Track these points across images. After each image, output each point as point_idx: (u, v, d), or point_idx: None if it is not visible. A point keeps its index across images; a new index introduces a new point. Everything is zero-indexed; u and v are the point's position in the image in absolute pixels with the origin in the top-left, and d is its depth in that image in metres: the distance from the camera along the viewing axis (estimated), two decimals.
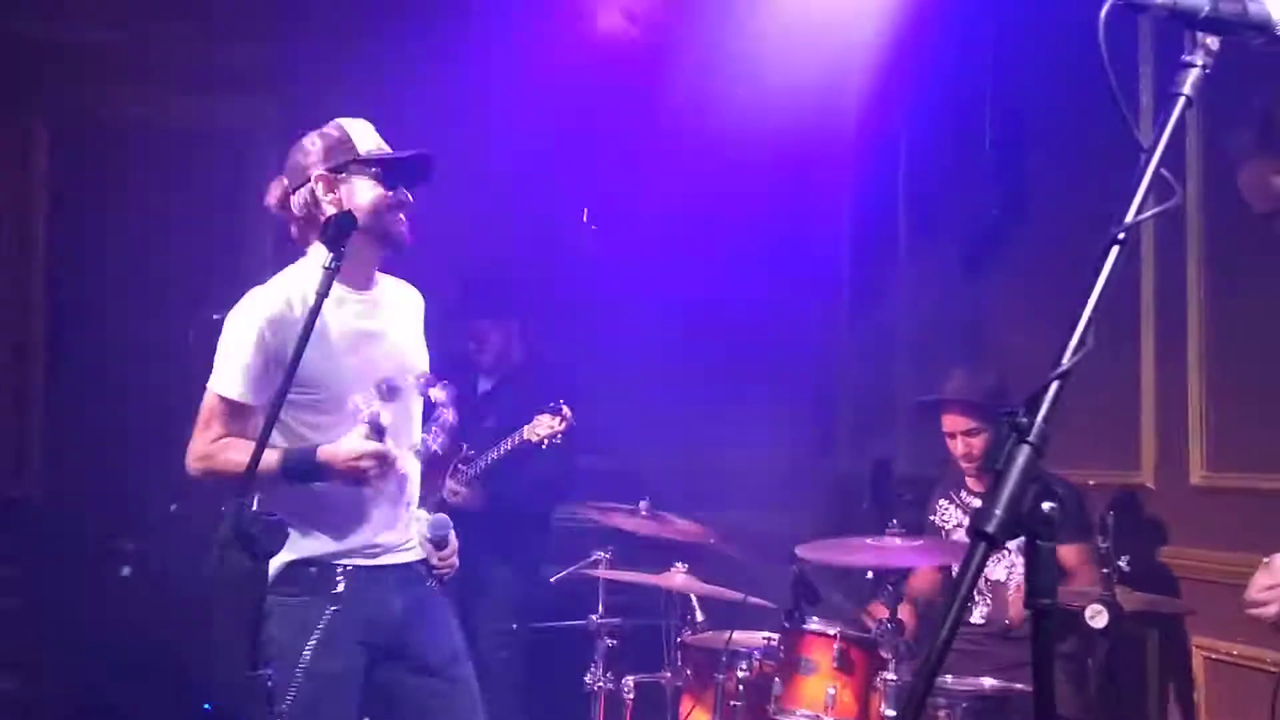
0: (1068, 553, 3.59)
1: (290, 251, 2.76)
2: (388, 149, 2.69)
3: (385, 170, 2.63)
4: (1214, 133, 3.56)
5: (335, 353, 2.60)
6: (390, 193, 2.62)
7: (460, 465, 4.19)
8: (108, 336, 4.93)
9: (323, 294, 2.31)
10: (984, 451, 3.68)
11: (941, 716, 3.10)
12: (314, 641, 2.52)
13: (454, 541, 2.77)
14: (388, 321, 2.75)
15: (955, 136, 4.94)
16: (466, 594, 4.20)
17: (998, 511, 1.20)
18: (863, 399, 5.47)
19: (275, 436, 2.40)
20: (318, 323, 2.34)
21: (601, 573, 3.93)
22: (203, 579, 2.25)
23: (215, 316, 3.78)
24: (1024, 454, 1.23)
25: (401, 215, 2.65)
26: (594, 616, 3.93)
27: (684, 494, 4.26)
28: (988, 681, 3.27)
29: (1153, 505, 3.83)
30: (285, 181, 2.69)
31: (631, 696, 3.77)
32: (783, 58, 4.68)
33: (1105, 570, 2.96)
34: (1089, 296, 1.31)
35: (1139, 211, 1.33)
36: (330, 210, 2.57)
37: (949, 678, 3.32)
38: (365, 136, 2.67)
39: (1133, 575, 3.26)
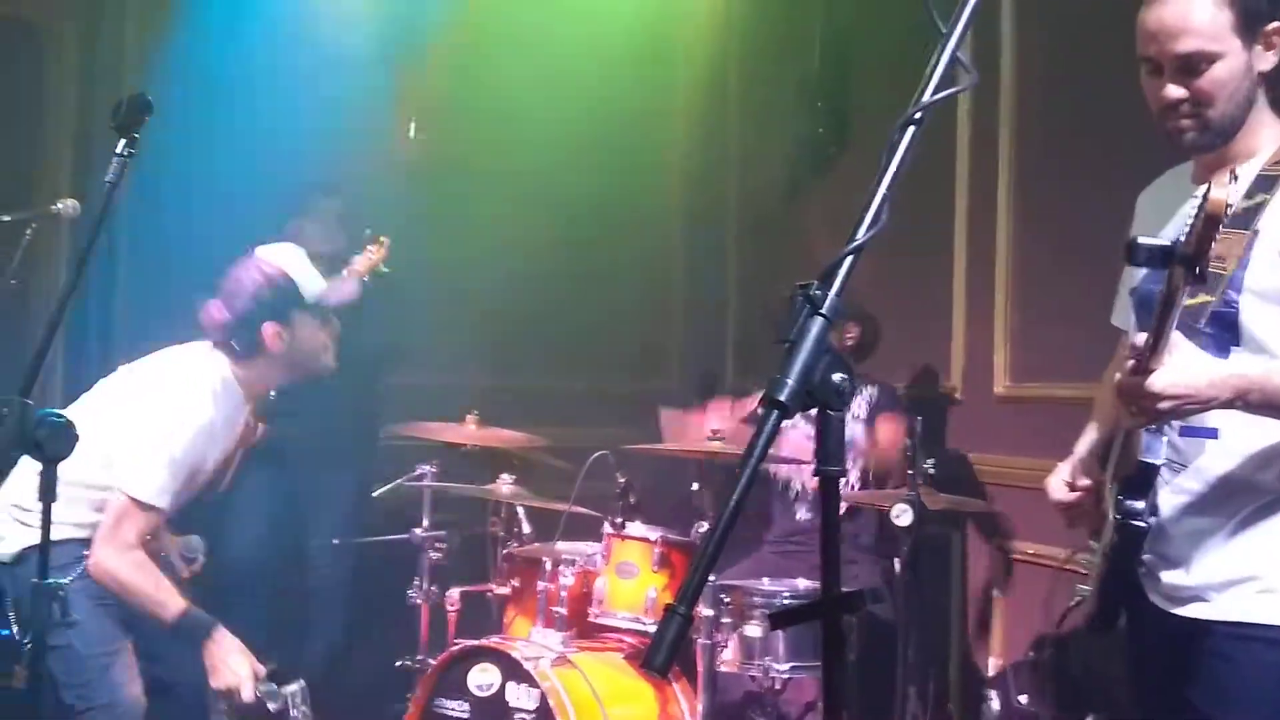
0: (885, 424, 3.75)
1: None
2: (320, 280, 2.91)
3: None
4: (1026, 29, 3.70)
5: (220, 455, 2.81)
6: (328, 332, 2.91)
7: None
8: None
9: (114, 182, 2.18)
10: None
11: (757, 615, 3.18)
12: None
13: (202, 559, 3.03)
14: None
15: (785, 59, 5.01)
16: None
17: (789, 381, 1.22)
18: (694, 317, 5.55)
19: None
20: (221, 421, 2.71)
21: (427, 485, 3.89)
22: None
23: (5, 219, 3.53)
24: (817, 325, 1.25)
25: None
26: (418, 530, 3.91)
27: (511, 410, 4.23)
28: (802, 583, 3.38)
29: (961, 413, 4.01)
30: (225, 311, 2.80)
31: (456, 608, 3.75)
32: None
33: (910, 472, 3.08)
34: (885, 174, 1.34)
35: (935, 93, 1.36)
36: (276, 351, 2.80)
37: (765, 580, 3.42)
38: (308, 280, 2.87)
39: (939, 478, 3.41)
